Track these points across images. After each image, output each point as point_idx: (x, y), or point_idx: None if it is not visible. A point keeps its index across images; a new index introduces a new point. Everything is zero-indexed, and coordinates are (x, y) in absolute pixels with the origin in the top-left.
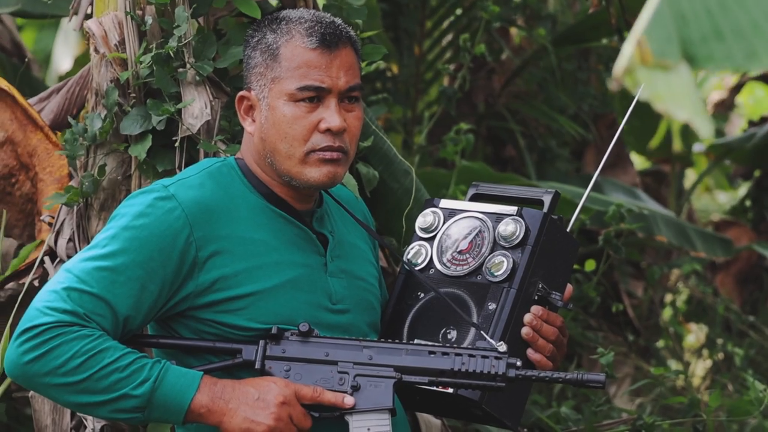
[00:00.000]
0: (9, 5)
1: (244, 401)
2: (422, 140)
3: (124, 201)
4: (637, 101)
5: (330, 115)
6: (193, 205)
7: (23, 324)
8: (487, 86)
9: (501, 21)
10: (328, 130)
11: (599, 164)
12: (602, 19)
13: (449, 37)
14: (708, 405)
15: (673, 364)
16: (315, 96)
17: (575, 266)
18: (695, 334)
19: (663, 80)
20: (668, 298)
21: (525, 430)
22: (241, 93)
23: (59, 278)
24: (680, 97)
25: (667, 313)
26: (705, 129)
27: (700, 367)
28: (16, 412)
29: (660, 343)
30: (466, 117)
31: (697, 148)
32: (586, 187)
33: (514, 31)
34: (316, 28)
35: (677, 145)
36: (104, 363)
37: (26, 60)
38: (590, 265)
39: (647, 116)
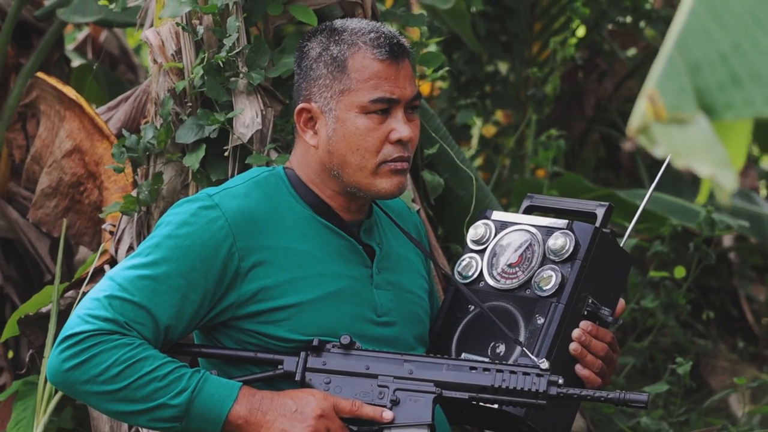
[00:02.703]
0: (93, 14)
1: (282, 413)
2: (528, 145)
3: (169, 209)
4: None
5: (400, 126)
6: (237, 214)
7: (65, 331)
8: (599, 89)
9: (610, 23)
10: (399, 141)
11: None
12: None
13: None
14: None
15: None
16: (387, 108)
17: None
18: None
19: (680, 135)
20: None
21: None
22: (301, 105)
23: (102, 286)
24: (701, 151)
25: None
26: (729, 183)
27: None
28: (82, 418)
29: None
30: (575, 120)
31: None
32: (699, 193)
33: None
34: (382, 39)
35: None
36: (143, 372)
37: (94, 66)
38: (680, 272)
39: None
